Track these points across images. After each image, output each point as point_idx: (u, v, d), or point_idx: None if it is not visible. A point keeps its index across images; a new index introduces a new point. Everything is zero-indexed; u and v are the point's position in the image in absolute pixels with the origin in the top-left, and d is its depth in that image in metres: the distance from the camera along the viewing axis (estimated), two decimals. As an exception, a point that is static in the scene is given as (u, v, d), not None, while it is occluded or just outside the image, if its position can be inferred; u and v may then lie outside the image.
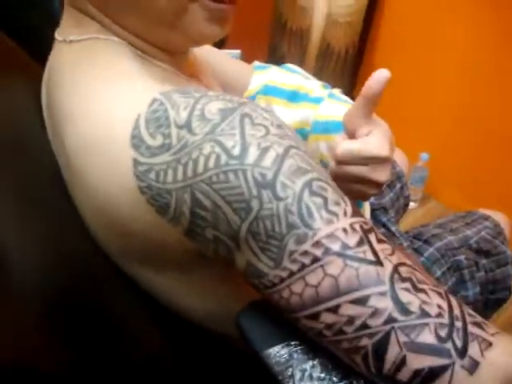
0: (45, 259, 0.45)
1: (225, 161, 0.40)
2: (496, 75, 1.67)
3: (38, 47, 0.60)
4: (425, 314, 0.39)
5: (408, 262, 0.42)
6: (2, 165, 0.47)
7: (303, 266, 0.40)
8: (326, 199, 0.40)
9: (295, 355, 0.47)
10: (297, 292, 0.41)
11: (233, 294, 0.54)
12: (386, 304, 0.39)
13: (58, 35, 0.54)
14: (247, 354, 0.56)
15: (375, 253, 0.40)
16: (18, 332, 0.39)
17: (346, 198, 0.42)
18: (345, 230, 0.39)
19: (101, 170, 0.45)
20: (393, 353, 0.39)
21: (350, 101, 0.78)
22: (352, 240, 0.39)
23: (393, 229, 0.92)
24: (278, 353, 0.47)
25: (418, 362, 0.38)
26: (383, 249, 0.40)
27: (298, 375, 0.45)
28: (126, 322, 0.54)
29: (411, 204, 1.97)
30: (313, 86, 0.80)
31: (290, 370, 0.46)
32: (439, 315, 0.39)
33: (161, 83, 0.47)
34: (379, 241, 0.41)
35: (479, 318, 0.42)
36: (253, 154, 0.40)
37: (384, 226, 0.93)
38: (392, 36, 1.92)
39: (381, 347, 0.39)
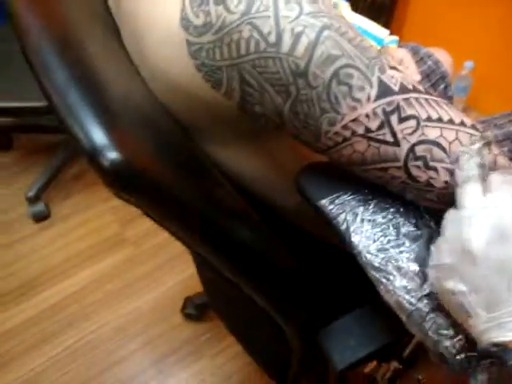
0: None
1: (263, 47, 0.42)
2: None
3: None
4: (430, 185, 0.47)
5: (430, 136, 0.45)
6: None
7: (336, 144, 0.47)
8: (351, 87, 0.43)
9: (347, 203, 0.52)
10: (345, 155, 0.48)
11: (293, 160, 0.59)
12: (400, 174, 0.47)
13: None
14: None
15: (394, 134, 0.45)
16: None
17: (376, 79, 0.44)
18: (367, 116, 0.44)
19: (162, 52, 0.49)
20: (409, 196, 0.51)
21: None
22: (374, 124, 0.45)
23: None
24: (332, 202, 0.53)
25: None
26: (404, 128, 0.45)
27: (350, 218, 0.51)
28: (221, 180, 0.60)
29: (452, 115, 1.96)
30: None
31: (343, 215, 0.51)
32: (443, 188, 0.47)
33: None
34: (402, 120, 0.45)
35: None
36: (287, 42, 0.42)
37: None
38: None
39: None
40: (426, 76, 1.13)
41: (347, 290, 0.72)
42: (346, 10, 1.09)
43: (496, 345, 0.40)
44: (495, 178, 0.44)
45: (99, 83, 0.41)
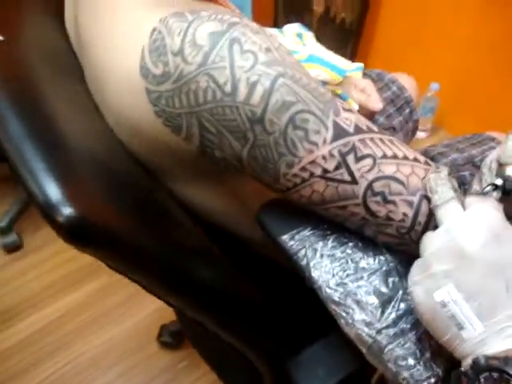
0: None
1: (220, 97, 0.44)
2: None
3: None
4: (389, 218, 0.49)
5: (387, 172, 0.47)
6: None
7: (295, 185, 0.48)
8: (307, 131, 0.45)
9: (307, 238, 0.53)
10: (304, 195, 0.50)
11: (254, 196, 0.60)
12: (359, 210, 0.49)
13: None
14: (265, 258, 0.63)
15: (351, 173, 0.47)
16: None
17: (331, 122, 0.46)
18: (324, 158, 0.46)
19: (123, 98, 0.50)
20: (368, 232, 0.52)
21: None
22: (331, 165, 0.46)
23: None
24: (292, 237, 0.54)
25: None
26: (360, 167, 0.47)
27: (310, 254, 0.52)
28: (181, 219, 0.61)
29: (421, 134, 2.00)
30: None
31: (303, 250, 0.53)
32: (402, 220, 0.49)
33: (166, 6, 0.49)
34: (358, 159, 0.46)
35: None
36: (242, 91, 0.44)
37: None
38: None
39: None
40: (391, 101, 1.16)
41: (314, 319, 0.73)
42: (310, 40, 1.11)
43: (495, 357, 0.39)
44: (471, 199, 0.46)
45: (55, 135, 0.42)
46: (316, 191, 0.48)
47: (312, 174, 0.47)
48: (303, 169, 0.46)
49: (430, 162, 0.51)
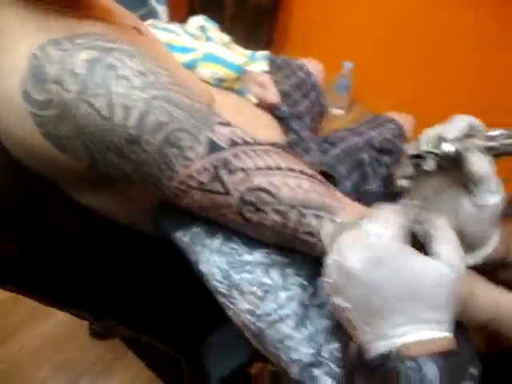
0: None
1: (99, 121, 0.47)
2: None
3: None
4: (263, 225, 0.53)
5: (258, 183, 0.51)
6: None
7: (177, 195, 0.52)
8: (182, 148, 0.49)
9: (197, 235, 0.57)
10: (186, 204, 0.54)
11: (149, 198, 0.63)
12: (236, 218, 0.53)
13: None
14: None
15: (225, 185, 0.51)
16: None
17: (205, 138, 0.50)
18: (199, 172, 0.50)
19: (11, 120, 0.51)
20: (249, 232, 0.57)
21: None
22: (206, 178, 0.50)
23: (302, 134, 1.02)
24: (185, 234, 0.58)
25: None
26: (233, 179, 0.51)
27: (199, 249, 0.56)
28: (70, 226, 0.63)
29: (338, 111, 2.08)
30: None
31: (194, 246, 0.57)
32: (273, 226, 0.53)
33: (44, 31, 0.50)
34: (231, 172, 0.51)
35: None
36: (119, 115, 0.47)
37: (295, 132, 1.03)
38: None
39: None
40: (297, 87, 1.20)
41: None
42: (213, 33, 1.14)
43: (387, 355, 0.44)
44: (366, 224, 0.48)
45: None
46: (196, 201, 0.52)
47: (190, 187, 0.51)
48: (182, 182, 0.50)
49: (306, 170, 0.55)
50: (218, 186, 0.51)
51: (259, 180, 0.51)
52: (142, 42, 0.65)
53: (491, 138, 0.53)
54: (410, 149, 0.56)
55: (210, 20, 1.19)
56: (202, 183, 0.50)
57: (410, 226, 0.49)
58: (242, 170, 0.51)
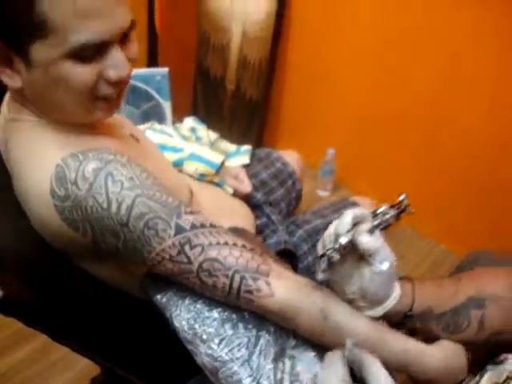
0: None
1: (101, 211, 0.69)
2: (395, 79, 2.01)
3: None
4: (215, 287, 0.72)
5: (211, 255, 0.71)
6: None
7: (154, 265, 0.73)
8: (157, 230, 0.70)
9: (171, 297, 0.76)
10: (162, 270, 0.74)
11: (141, 271, 0.83)
12: (196, 281, 0.73)
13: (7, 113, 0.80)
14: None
15: (188, 257, 0.71)
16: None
17: (174, 223, 0.70)
18: (169, 247, 0.70)
19: (39, 209, 0.74)
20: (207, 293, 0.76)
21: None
22: (174, 252, 0.71)
23: (273, 218, 1.23)
24: (163, 297, 0.77)
25: None
26: (194, 252, 0.71)
27: (173, 308, 0.75)
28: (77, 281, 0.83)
29: (324, 192, 2.30)
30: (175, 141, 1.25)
31: (169, 306, 0.76)
32: (223, 287, 0.72)
33: (66, 147, 0.72)
34: (192, 247, 0.70)
35: None
36: (114, 206, 0.69)
37: (267, 216, 1.24)
38: (300, 47, 2.23)
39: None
40: (275, 176, 1.41)
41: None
42: (202, 132, 1.38)
43: None
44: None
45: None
46: (168, 269, 0.72)
47: (163, 258, 0.71)
48: (157, 254, 0.71)
49: (247, 245, 0.75)
50: (183, 258, 0.71)
51: (212, 253, 0.71)
52: (136, 148, 0.88)
53: (375, 216, 0.72)
54: (317, 250, 0.74)
55: (199, 121, 1.44)
56: (171, 256, 0.71)
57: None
58: (200, 245, 0.71)
